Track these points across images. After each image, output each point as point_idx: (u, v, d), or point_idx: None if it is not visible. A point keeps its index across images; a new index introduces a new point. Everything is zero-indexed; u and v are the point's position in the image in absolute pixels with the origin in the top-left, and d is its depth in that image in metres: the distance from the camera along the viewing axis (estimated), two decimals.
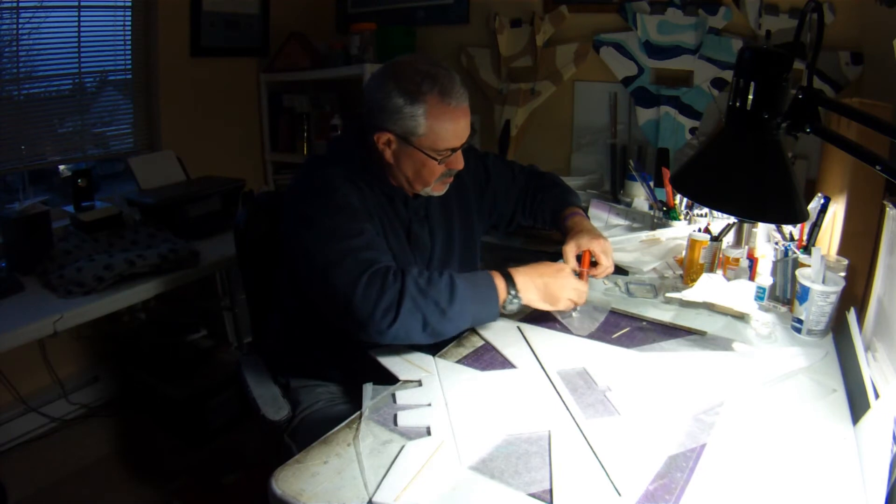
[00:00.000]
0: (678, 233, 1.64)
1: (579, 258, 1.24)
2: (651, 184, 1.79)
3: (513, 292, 1.08)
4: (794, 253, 1.27)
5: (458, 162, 1.15)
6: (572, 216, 1.33)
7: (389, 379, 0.99)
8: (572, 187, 2.25)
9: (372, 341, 1.01)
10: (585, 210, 1.42)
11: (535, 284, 1.10)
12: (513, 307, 1.09)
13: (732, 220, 1.43)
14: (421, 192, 1.18)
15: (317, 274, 1.04)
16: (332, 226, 1.05)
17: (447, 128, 1.09)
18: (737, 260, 1.34)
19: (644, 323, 1.20)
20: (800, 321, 1.14)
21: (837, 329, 1.16)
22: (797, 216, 0.83)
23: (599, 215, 1.87)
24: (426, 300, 0.99)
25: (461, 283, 1.03)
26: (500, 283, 1.08)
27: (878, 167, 0.71)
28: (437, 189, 1.18)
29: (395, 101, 1.06)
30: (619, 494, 0.71)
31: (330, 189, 1.10)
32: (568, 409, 0.89)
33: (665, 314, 1.24)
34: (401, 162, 1.12)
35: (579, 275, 1.20)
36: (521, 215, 1.45)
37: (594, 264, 1.24)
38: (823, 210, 1.30)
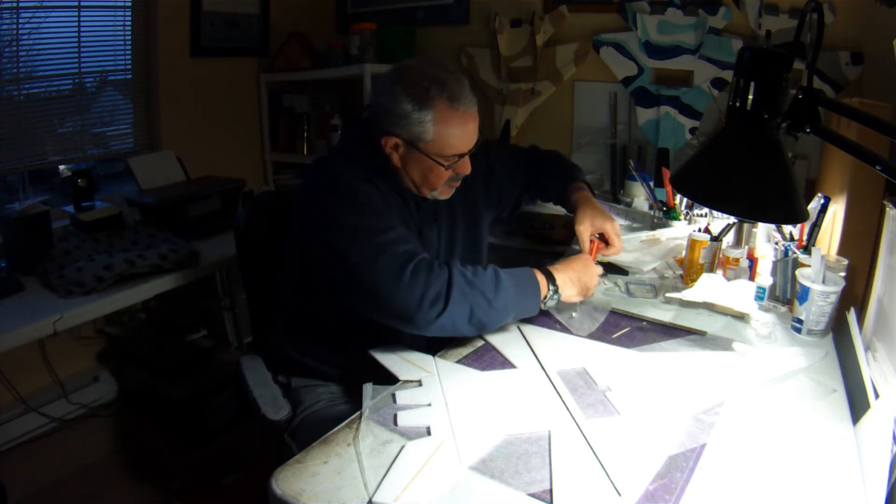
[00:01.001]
0: (678, 233, 1.64)
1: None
2: (651, 184, 1.79)
3: (553, 288, 1.10)
4: (794, 253, 1.27)
5: (466, 167, 1.15)
6: (577, 192, 1.35)
7: (389, 379, 0.99)
8: None
9: (417, 333, 1.01)
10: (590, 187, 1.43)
11: (571, 279, 1.13)
12: (552, 303, 1.11)
13: (732, 220, 1.44)
14: (427, 195, 1.18)
15: (350, 272, 1.02)
16: (361, 224, 1.04)
17: (455, 133, 1.08)
18: (737, 260, 1.34)
19: (644, 323, 1.20)
20: (800, 321, 1.14)
21: (837, 329, 1.16)
22: (797, 216, 0.83)
23: None
24: (473, 290, 0.99)
25: (505, 277, 1.04)
26: (541, 278, 1.09)
27: (878, 167, 0.71)
28: (443, 193, 1.18)
29: (402, 106, 1.06)
30: (619, 494, 0.71)
31: (350, 189, 1.09)
32: (568, 409, 0.89)
33: (665, 314, 1.24)
34: (408, 166, 1.12)
35: None
36: (528, 198, 1.46)
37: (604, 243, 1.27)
38: (823, 210, 1.30)
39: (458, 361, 1.04)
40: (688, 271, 1.39)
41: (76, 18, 2.16)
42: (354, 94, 2.71)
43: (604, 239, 1.28)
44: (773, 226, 1.41)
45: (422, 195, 1.18)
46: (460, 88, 1.08)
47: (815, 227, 1.30)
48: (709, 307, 1.26)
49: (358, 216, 1.05)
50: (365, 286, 1.01)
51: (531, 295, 1.07)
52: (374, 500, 0.70)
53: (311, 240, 1.12)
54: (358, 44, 2.61)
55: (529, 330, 1.15)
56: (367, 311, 1.04)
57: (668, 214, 1.70)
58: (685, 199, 1.71)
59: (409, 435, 0.83)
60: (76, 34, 2.18)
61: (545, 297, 1.09)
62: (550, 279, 1.10)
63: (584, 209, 1.29)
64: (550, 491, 0.72)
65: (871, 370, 0.98)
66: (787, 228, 1.33)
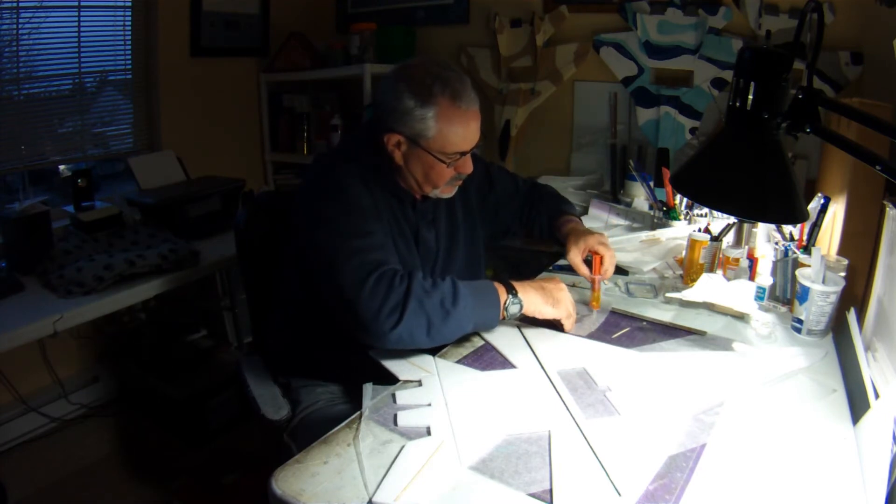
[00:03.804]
0: (678, 233, 1.64)
1: (588, 263, 1.25)
2: (651, 184, 1.79)
3: (513, 293, 1.09)
4: (794, 253, 1.27)
5: (468, 166, 1.16)
6: (568, 223, 1.35)
7: (389, 379, 0.99)
8: (572, 187, 2.25)
9: (375, 344, 1.01)
10: (585, 211, 1.43)
11: (534, 288, 1.11)
12: (514, 309, 1.09)
13: (732, 220, 1.44)
14: (430, 194, 1.18)
15: (325, 271, 1.04)
16: (343, 225, 1.06)
17: (457, 131, 1.09)
18: (737, 260, 1.34)
19: (644, 323, 1.20)
20: (800, 321, 1.14)
21: (837, 329, 1.16)
22: (797, 216, 0.83)
23: (599, 215, 1.87)
24: (431, 301, 0.99)
25: (464, 287, 1.04)
26: (500, 288, 1.08)
27: (878, 167, 0.71)
28: (445, 191, 1.19)
29: (406, 102, 1.07)
30: (619, 494, 0.71)
31: (342, 188, 1.10)
32: (568, 409, 0.89)
33: (665, 314, 1.24)
34: (410, 164, 1.13)
35: (591, 282, 1.24)
36: (519, 225, 1.46)
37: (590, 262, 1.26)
38: (823, 210, 1.30)
39: (458, 361, 1.04)
40: (688, 271, 1.39)
41: (76, 18, 2.16)
42: (354, 94, 2.71)
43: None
44: (773, 226, 1.41)
45: (424, 193, 1.19)
46: (463, 87, 1.09)
47: (815, 227, 1.30)
48: (709, 307, 1.26)
49: (341, 215, 1.07)
50: (333, 286, 1.03)
51: (490, 305, 1.06)
52: (374, 500, 0.70)
53: (300, 234, 1.14)
54: (358, 44, 2.61)
55: (529, 330, 1.15)
56: (333, 310, 1.05)
57: (668, 214, 1.70)
58: (685, 199, 1.71)
59: (409, 435, 0.83)
60: (76, 34, 2.18)
61: (505, 304, 1.08)
62: (510, 288, 1.09)
63: (572, 237, 1.28)
64: (550, 491, 0.72)
65: (871, 370, 0.98)
66: (787, 228, 1.33)
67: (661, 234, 1.65)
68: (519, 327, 1.16)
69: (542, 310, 1.11)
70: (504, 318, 1.09)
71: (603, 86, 2.41)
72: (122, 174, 2.45)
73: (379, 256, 1.03)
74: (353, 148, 1.21)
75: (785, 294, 1.28)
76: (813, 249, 1.16)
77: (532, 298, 1.10)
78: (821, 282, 1.12)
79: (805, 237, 1.31)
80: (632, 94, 2.34)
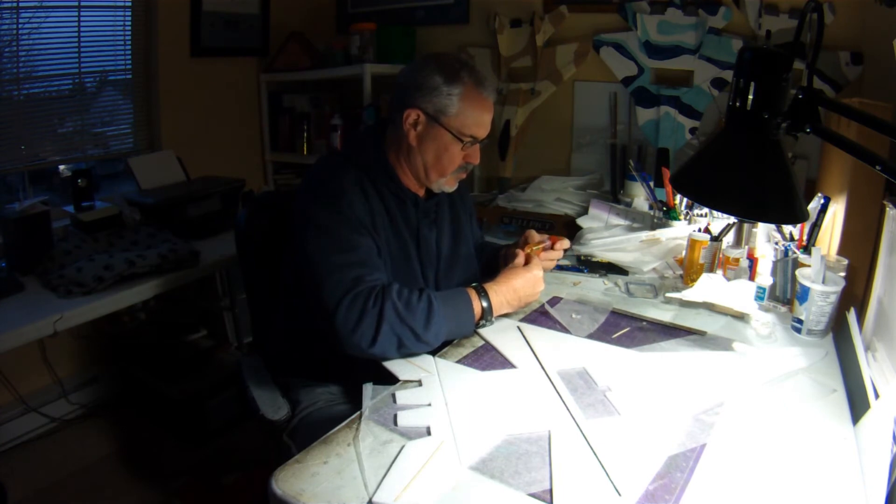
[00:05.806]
0: (678, 233, 1.63)
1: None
2: (651, 184, 1.79)
3: (486, 305, 1.13)
4: (794, 253, 1.27)
5: (476, 156, 1.20)
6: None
7: (389, 379, 0.99)
8: (572, 187, 2.25)
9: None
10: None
11: (507, 300, 1.16)
12: (488, 325, 1.15)
13: (732, 220, 1.44)
14: (435, 183, 1.20)
15: (310, 282, 1.08)
16: (330, 236, 1.09)
17: (476, 115, 1.15)
18: (737, 260, 1.34)
19: (644, 323, 1.20)
20: (800, 321, 1.14)
21: (837, 329, 1.16)
22: (797, 216, 0.83)
23: (599, 215, 1.87)
24: (403, 326, 1.02)
25: (438, 307, 1.06)
26: (476, 305, 1.12)
27: (878, 167, 0.71)
28: (449, 183, 1.22)
29: (434, 79, 1.12)
30: (619, 494, 0.71)
31: (337, 195, 1.12)
32: (568, 409, 0.89)
33: (665, 314, 1.24)
34: (423, 144, 1.16)
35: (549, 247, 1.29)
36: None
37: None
38: (823, 210, 1.30)
39: (458, 361, 1.04)
40: (688, 271, 1.39)
41: (76, 18, 2.16)
42: (354, 94, 2.70)
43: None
44: (773, 226, 1.41)
45: (428, 184, 1.21)
46: (486, 79, 1.17)
47: (815, 227, 1.30)
48: (709, 307, 1.26)
49: (330, 224, 1.09)
50: (315, 298, 1.06)
51: (465, 322, 1.11)
52: (374, 500, 0.70)
53: (296, 233, 1.16)
54: (358, 44, 2.60)
55: (529, 330, 1.15)
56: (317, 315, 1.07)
57: (668, 214, 1.70)
58: (685, 199, 1.71)
59: (409, 435, 0.83)
60: (76, 34, 2.18)
61: (478, 320, 1.13)
62: (487, 303, 1.13)
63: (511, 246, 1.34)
64: (550, 491, 0.72)
65: (871, 370, 0.98)
66: (787, 228, 1.33)
67: (661, 234, 1.65)
68: (519, 327, 1.16)
69: (515, 307, 1.20)
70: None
71: (603, 86, 2.40)
72: (122, 174, 2.45)
73: (359, 272, 1.06)
74: (355, 148, 1.22)
75: (785, 294, 1.28)
76: (813, 249, 1.16)
77: (504, 309, 1.17)
78: (821, 282, 1.12)
79: (805, 237, 1.31)
80: (632, 94, 2.33)
